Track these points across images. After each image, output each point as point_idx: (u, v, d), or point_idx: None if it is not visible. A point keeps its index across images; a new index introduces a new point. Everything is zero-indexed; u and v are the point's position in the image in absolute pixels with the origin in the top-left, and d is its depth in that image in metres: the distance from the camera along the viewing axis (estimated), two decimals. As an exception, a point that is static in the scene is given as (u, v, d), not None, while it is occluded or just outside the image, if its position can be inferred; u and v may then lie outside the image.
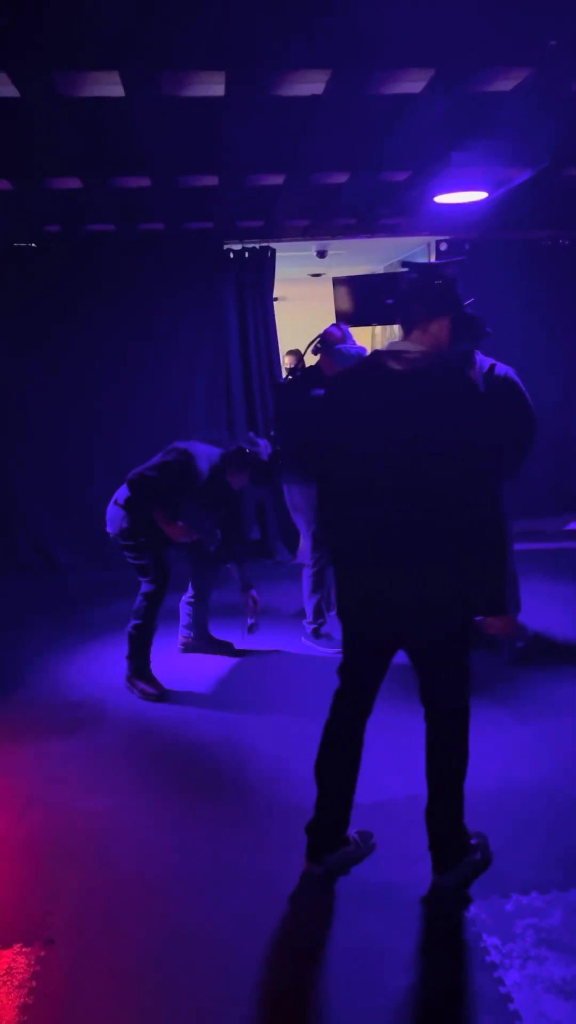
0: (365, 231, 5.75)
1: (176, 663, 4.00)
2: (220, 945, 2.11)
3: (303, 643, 4.21)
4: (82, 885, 2.37)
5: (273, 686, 3.75)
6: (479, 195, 4.40)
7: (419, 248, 6.64)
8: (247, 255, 5.69)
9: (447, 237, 5.92)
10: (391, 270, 7.47)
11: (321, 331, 3.99)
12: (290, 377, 4.24)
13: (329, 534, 2.31)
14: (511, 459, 3.31)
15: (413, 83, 2.82)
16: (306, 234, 5.72)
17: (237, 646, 4.15)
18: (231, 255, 5.67)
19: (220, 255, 5.64)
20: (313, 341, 4.01)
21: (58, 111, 2.94)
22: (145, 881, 2.38)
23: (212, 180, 4.12)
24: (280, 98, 2.91)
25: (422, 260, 6.63)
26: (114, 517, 3.60)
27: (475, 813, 2.40)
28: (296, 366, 5.21)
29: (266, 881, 2.35)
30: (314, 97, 2.91)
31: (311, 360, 4.20)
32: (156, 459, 3.57)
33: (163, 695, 3.62)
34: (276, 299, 5.99)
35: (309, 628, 4.19)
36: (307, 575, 4.14)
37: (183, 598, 4.09)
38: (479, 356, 3.42)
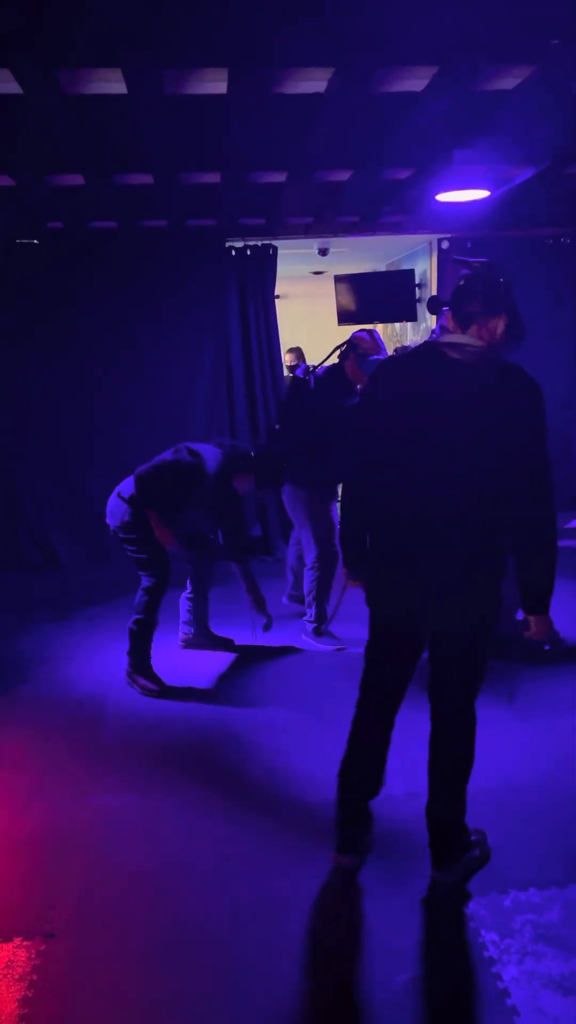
0: (367, 229, 5.76)
1: (176, 659, 4.01)
2: (220, 939, 2.12)
3: (303, 640, 4.22)
4: (83, 879, 2.38)
5: (274, 682, 3.75)
6: (481, 193, 4.40)
7: (421, 246, 6.65)
8: (249, 252, 5.69)
9: (449, 235, 5.93)
10: (393, 268, 7.47)
11: (351, 335, 3.94)
12: (308, 374, 4.11)
13: (357, 510, 2.29)
14: None
15: (415, 81, 2.83)
16: (308, 232, 5.73)
17: (239, 643, 4.16)
18: (233, 252, 5.67)
19: (222, 252, 5.63)
20: (341, 346, 3.96)
21: (61, 108, 2.94)
22: (145, 876, 2.39)
23: (214, 177, 4.13)
24: (282, 96, 2.91)
25: (423, 259, 6.64)
26: (116, 510, 3.60)
27: (474, 810, 2.40)
28: (297, 364, 5.19)
29: (266, 877, 2.36)
30: (316, 95, 2.91)
31: (326, 362, 4.14)
32: (167, 457, 3.56)
33: (164, 691, 3.63)
34: (278, 296, 5.99)
35: (310, 626, 4.19)
36: (309, 577, 4.13)
37: (183, 594, 4.10)
38: None
